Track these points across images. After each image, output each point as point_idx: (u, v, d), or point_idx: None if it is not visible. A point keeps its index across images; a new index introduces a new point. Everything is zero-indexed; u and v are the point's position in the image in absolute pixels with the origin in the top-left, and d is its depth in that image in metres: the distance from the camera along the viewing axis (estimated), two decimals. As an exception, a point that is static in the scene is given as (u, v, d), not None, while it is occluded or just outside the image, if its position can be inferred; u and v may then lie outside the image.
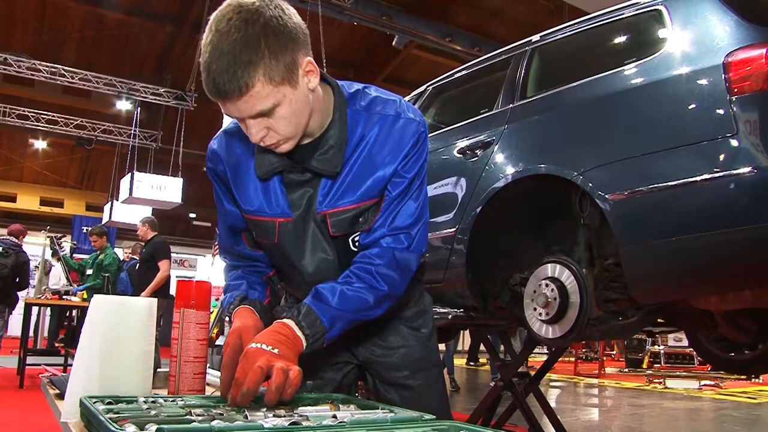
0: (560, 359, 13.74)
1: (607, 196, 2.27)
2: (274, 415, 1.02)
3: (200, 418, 0.97)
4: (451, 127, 3.26)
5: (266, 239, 1.32)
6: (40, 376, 1.68)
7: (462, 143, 3.02)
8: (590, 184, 2.33)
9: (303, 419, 0.99)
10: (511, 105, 2.91)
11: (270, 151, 1.22)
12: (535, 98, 2.83)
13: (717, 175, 2.00)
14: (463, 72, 3.58)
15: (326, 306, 1.20)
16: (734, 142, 2.02)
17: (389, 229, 1.27)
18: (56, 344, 8.93)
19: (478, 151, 2.91)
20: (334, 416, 1.03)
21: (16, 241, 6.72)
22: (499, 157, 2.80)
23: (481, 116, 3.07)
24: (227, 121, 1.36)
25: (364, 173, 1.25)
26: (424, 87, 3.81)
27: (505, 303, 2.95)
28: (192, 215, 20.39)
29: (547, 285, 2.59)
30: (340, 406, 1.15)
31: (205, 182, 18.93)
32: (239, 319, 1.24)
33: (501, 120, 2.90)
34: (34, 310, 8.62)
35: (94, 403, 1.05)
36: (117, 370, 1.17)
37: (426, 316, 1.48)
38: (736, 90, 2.05)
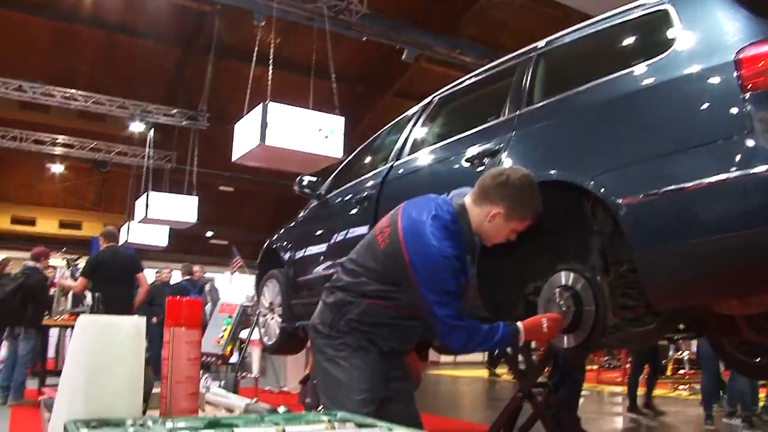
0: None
1: (618, 200, 2.20)
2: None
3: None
4: (458, 137, 3.21)
5: None
6: (40, 398, 1.65)
7: (469, 152, 2.97)
8: (601, 189, 2.26)
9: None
10: (518, 112, 2.86)
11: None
12: (542, 104, 2.78)
13: (729, 175, 1.92)
14: (469, 81, 3.54)
15: None
16: (748, 141, 1.94)
17: None
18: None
19: (485, 160, 2.85)
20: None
21: (33, 264, 6.74)
22: (507, 165, 2.74)
23: (488, 124, 3.02)
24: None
25: None
26: (431, 98, 3.77)
27: (519, 313, 2.88)
28: (208, 234, 20.47)
29: (560, 294, 2.52)
30: (336, 424, 1.10)
31: (220, 201, 19.09)
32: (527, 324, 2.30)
33: (508, 127, 2.84)
34: (55, 331, 8.67)
35: (78, 427, 1.01)
36: (104, 392, 1.13)
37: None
38: (749, 87, 1.98)
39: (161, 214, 12.33)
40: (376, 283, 2.25)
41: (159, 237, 14.45)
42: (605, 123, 2.43)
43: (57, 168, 17.80)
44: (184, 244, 18.81)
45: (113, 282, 6.05)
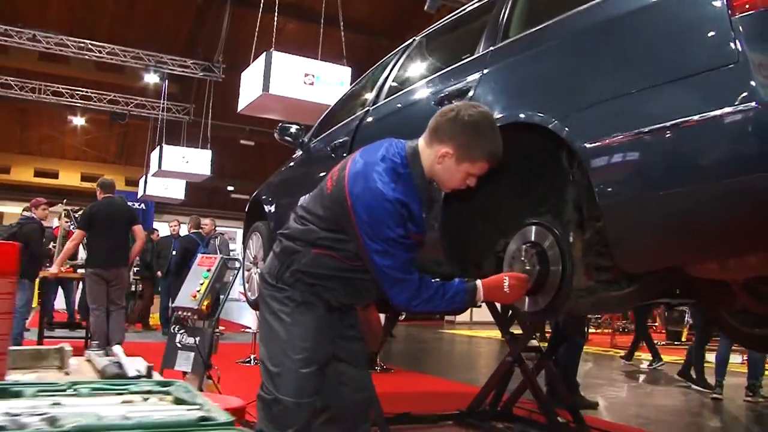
0: (597, 331, 13.31)
1: (585, 144, 1.91)
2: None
3: None
4: (430, 78, 2.94)
5: None
6: None
7: (439, 94, 2.69)
8: (568, 132, 1.98)
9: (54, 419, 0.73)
10: (491, 48, 2.56)
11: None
12: (514, 39, 2.47)
13: (707, 115, 1.61)
14: (450, 20, 3.23)
15: None
16: (736, 73, 1.62)
17: None
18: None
19: (454, 101, 2.57)
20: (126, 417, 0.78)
21: (28, 213, 6.67)
22: (474, 106, 2.46)
23: (459, 63, 2.73)
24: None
25: None
26: (411, 39, 3.49)
27: (489, 271, 2.63)
28: (230, 188, 20.43)
29: (526, 251, 2.27)
30: (133, 397, 0.89)
31: (241, 155, 18.97)
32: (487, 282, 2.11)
33: (479, 66, 2.55)
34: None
35: None
36: None
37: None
38: (739, 8, 1.66)
39: (174, 166, 12.23)
40: (324, 231, 2.07)
41: (176, 190, 14.40)
42: (575, 56, 2.12)
43: (79, 121, 17.83)
44: (203, 198, 18.82)
45: (108, 233, 5.93)
